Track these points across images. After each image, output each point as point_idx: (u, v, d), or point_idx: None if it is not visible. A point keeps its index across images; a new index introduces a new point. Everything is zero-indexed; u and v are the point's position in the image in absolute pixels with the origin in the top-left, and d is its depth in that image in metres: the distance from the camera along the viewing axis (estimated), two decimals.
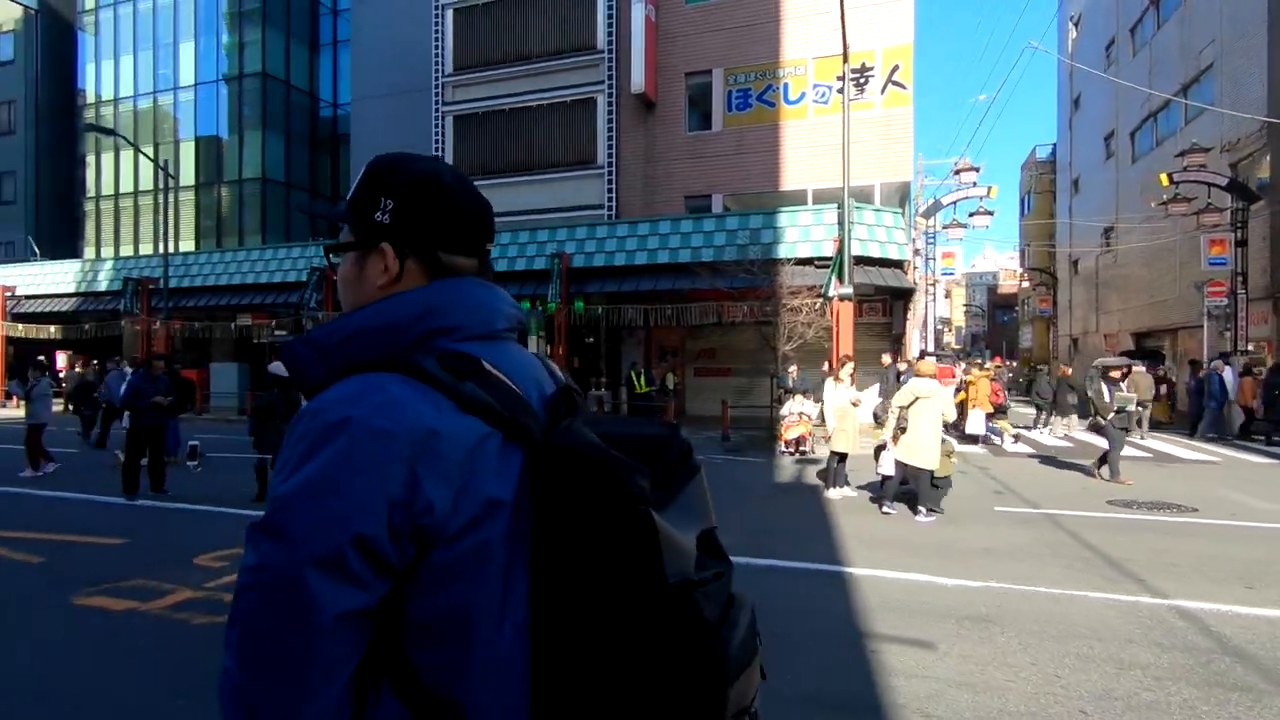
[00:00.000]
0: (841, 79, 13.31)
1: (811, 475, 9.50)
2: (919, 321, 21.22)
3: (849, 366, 8.02)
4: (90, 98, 29.04)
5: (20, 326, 23.06)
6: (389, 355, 0.78)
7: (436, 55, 21.46)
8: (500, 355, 0.83)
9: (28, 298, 23.63)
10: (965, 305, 54.62)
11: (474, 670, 0.73)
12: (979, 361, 19.24)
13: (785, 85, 18.12)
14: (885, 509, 6.91)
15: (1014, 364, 20.37)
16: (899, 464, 6.99)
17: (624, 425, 0.85)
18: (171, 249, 25.88)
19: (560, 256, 15.79)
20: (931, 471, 6.91)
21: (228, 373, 20.41)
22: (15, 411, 20.02)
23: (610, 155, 19.49)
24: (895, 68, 17.12)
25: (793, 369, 12.39)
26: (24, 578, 4.86)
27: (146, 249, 27.15)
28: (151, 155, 21.40)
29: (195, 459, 9.88)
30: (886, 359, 13.99)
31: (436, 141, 21.53)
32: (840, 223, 13.28)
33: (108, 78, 28.69)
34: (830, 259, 13.81)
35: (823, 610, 4.17)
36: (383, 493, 0.69)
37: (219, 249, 24.38)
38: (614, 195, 19.43)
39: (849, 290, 12.61)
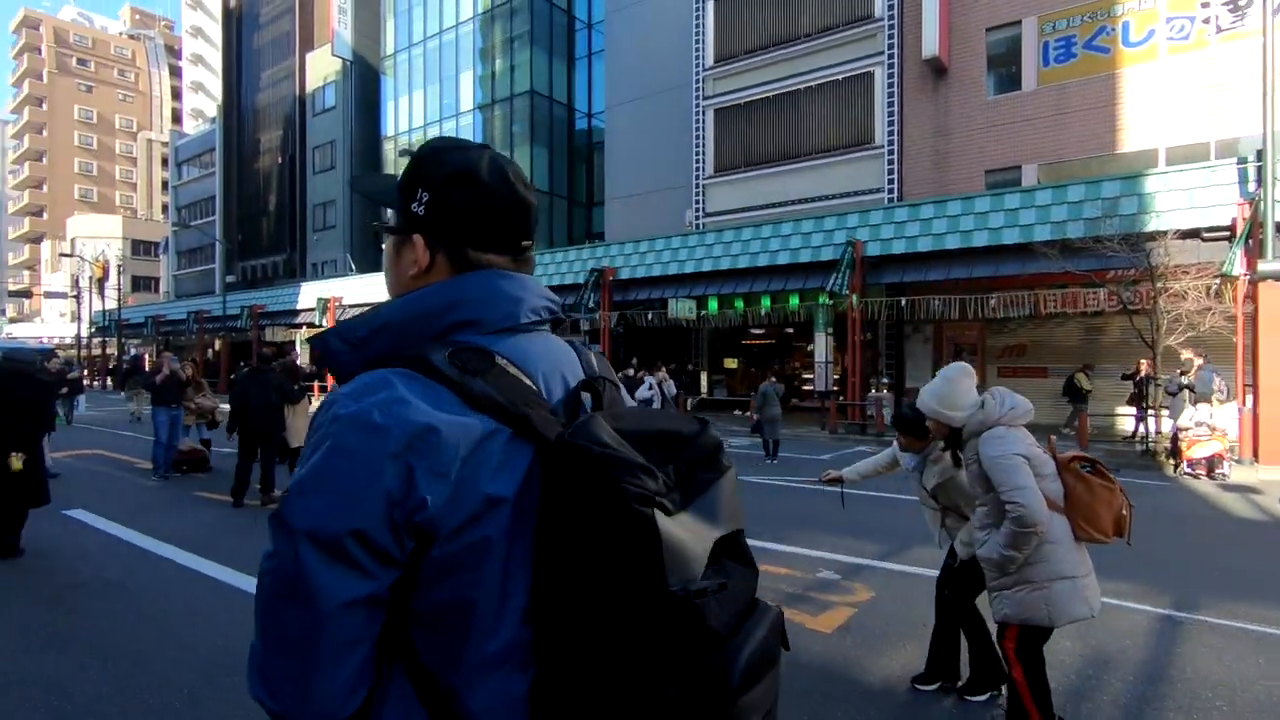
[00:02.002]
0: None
1: (1273, 504, 7.17)
2: None
3: None
4: (390, 130, 33.37)
5: None
6: (415, 347, 0.78)
7: (696, 49, 21.14)
8: (521, 348, 0.82)
9: (351, 306, 27.57)
10: None
11: (469, 662, 0.73)
12: None
13: (1125, 25, 14.94)
14: None
15: None
16: None
17: (649, 420, 0.80)
18: None
19: (854, 245, 14.39)
20: None
21: None
22: None
23: (891, 132, 17.65)
24: None
25: (1195, 365, 9.79)
26: None
27: None
28: None
29: None
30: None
31: (696, 137, 21.22)
32: (1252, 181, 10.32)
33: (403, 112, 32.73)
34: (1225, 228, 10.87)
35: None
36: (379, 488, 0.70)
37: None
38: (895, 176, 17.57)
39: (1276, 266, 9.68)
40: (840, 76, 18.54)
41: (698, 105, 21.20)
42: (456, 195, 0.86)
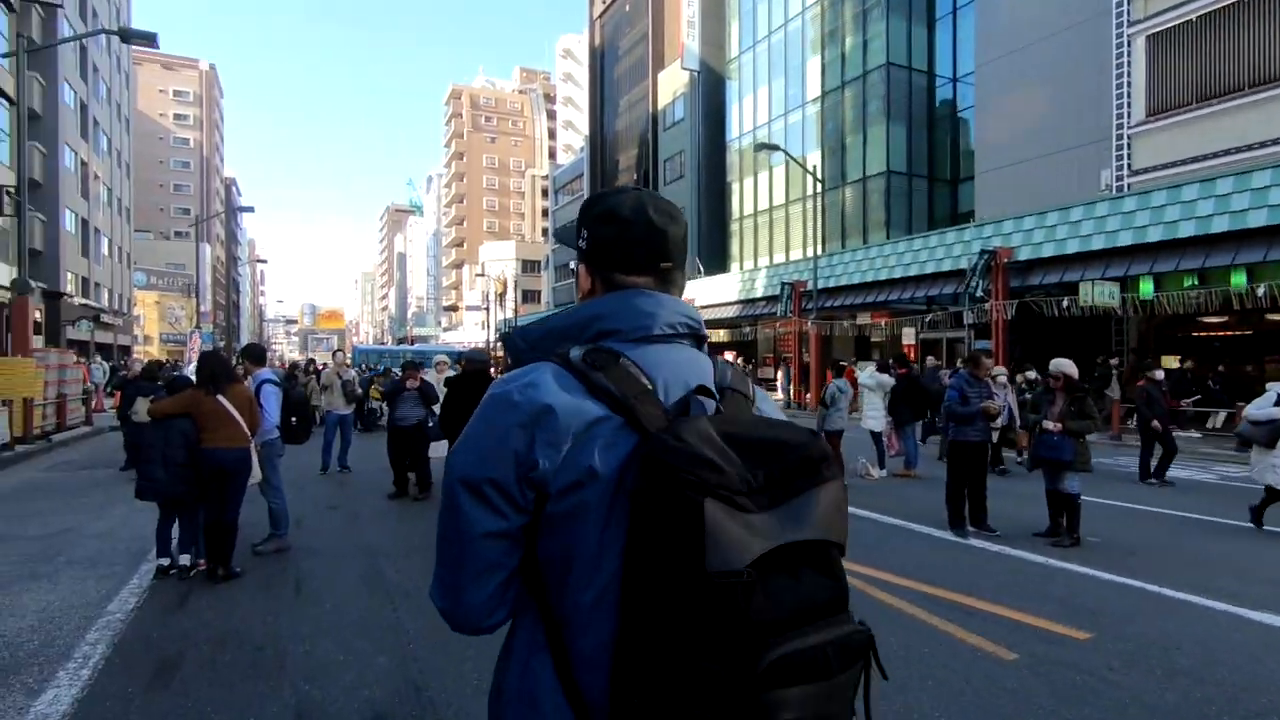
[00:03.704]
0: None
1: None
2: None
3: None
4: (734, 133, 33.77)
5: None
6: (566, 347, 0.94)
7: None
8: (649, 356, 0.93)
9: (704, 306, 28.35)
10: None
11: (570, 604, 0.86)
12: None
13: None
14: None
15: None
16: None
17: (761, 428, 0.88)
18: (804, 253, 27.73)
19: None
20: None
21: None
22: None
23: None
24: None
25: None
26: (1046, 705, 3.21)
27: (779, 257, 29.85)
28: (804, 166, 22.60)
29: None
30: None
31: (1118, 76, 16.72)
32: None
33: (747, 112, 32.81)
34: None
35: None
36: (509, 448, 0.87)
37: (859, 245, 24.62)
38: None
39: None
40: None
41: (1120, 34, 16.72)
42: (602, 230, 1.02)
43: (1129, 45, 16.63)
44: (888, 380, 9.16)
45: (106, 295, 38.81)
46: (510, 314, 58.09)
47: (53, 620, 4.08)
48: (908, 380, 9.30)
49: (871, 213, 26.35)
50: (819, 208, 24.73)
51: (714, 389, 0.94)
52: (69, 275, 31.74)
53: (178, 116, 73.48)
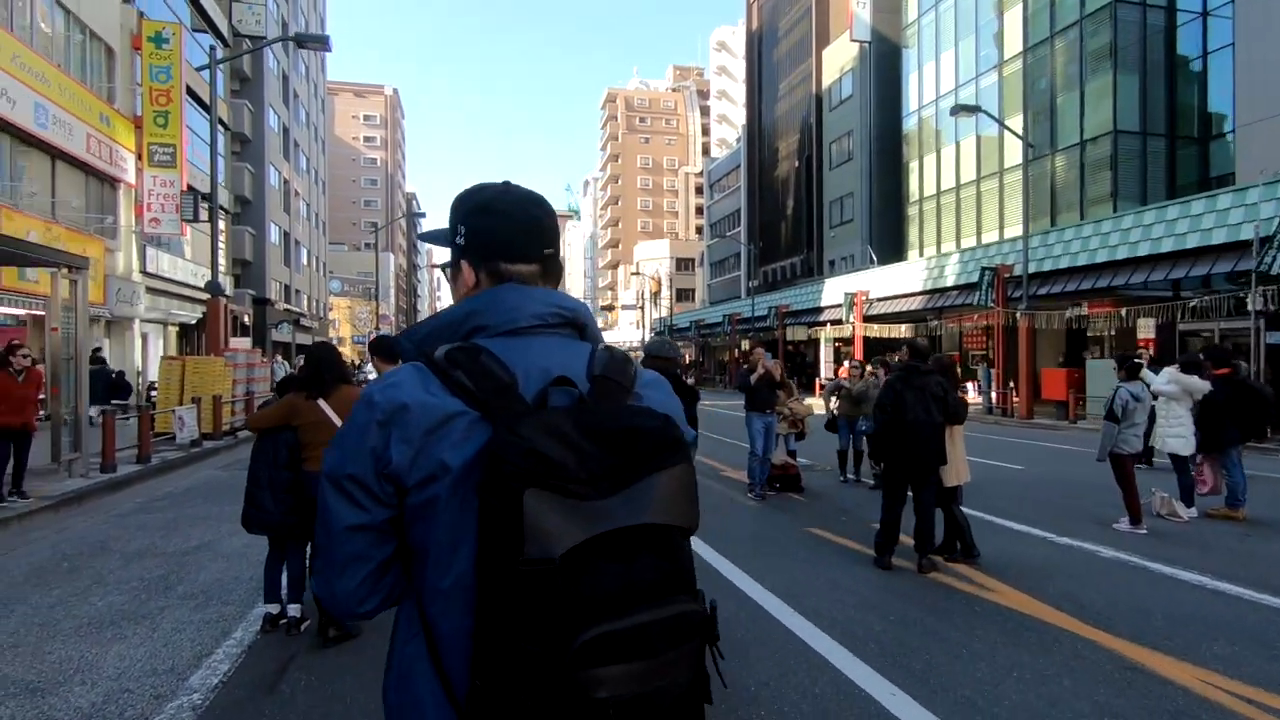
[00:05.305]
0: None
1: None
2: None
3: None
4: (912, 105, 30.32)
5: (874, 327, 24.97)
6: (439, 346, 0.95)
7: None
8: (512, 347, 0.94)
9: (877, 300, 25.50)
10: None
11: (430, 591, 0.89)
12: None
13: None
14: None
15: None
16: None
17: (616, 417, 0.89)
18: (1000, 235, 23.95)
19: None
20: None
21: (1104, 373, 16.33)
22: None
23: None
24: None
25: None
26: None
27: (968, 241, 26.17)
28: (1012, 131, 19.28)
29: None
30: None
31: None
32: None
33: (928, 81, 29.26)
34: None
35: None
36: (367, 445, 0.89)
37: (1075, 221, 20.73)
38: None
39: None
40: None
41: None
42: (480, 222, 1.03)
43: None
44: (1199, 384, 6.59)
45: (306, 301, 42.80)
46: (665, 312, 57.29)
47: (120, 697, 3.12)
48: (1231, 384, 6.65)
49: (1092, 183, 22.13)
50: (1025, 180, 21.19)
51: (584, 377, 0.95)
52: (273, 283, 35.08)
53: (366, 139, 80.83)
